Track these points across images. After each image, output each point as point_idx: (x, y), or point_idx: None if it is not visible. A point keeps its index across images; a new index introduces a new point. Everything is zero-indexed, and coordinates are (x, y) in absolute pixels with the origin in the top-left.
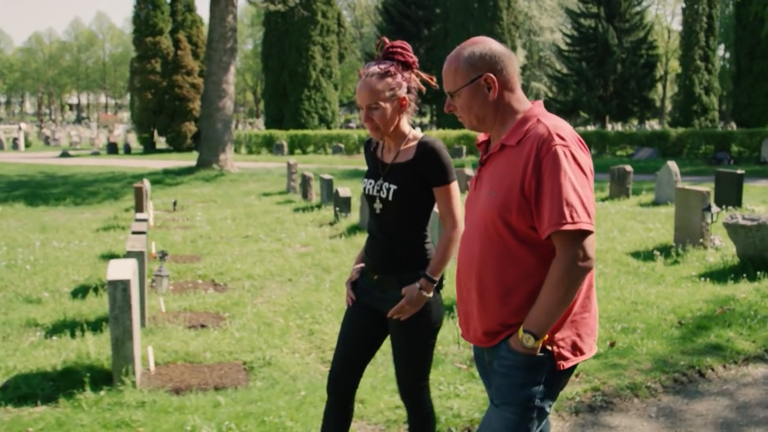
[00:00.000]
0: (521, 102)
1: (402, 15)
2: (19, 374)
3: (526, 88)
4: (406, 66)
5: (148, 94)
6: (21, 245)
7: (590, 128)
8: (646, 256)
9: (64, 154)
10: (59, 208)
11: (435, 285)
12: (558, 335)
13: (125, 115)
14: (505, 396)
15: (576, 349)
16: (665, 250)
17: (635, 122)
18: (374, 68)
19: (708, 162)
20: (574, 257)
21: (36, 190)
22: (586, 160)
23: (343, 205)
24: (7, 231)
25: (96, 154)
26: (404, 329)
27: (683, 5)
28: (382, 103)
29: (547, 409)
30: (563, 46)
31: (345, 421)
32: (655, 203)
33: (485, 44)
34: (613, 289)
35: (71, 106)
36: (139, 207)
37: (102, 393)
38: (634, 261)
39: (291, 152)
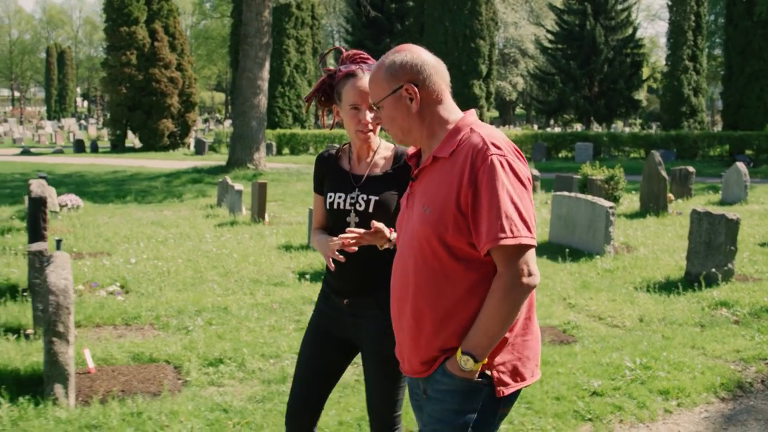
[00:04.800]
0: (451, 111)
1: (374, 8)
2: None
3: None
4: None
5: (122, 89)
6: (169, 239)
7: (576, 128)
8: None
9: (25, 152)
10: (130, 206)
11: None
12: (498, 359)
13: (41, 109)
14: (436, 422)
15: (517, 375)
16: None
17: (620, 123)
18: (367, 66)
19: (726, 164)
20: (517, 274)
21: (82, 188)
22: (524, 169)
23: None
24: (122, 227)
25: (59, 152)
26: (381, 357)
27: (669, 2)
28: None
29: None
30: (546, 43)
31: None
32: (723, 203)
33: (408, 52)
34: None
35: None
36: (262, 206)
37: None
38: None
39: (279, 152)
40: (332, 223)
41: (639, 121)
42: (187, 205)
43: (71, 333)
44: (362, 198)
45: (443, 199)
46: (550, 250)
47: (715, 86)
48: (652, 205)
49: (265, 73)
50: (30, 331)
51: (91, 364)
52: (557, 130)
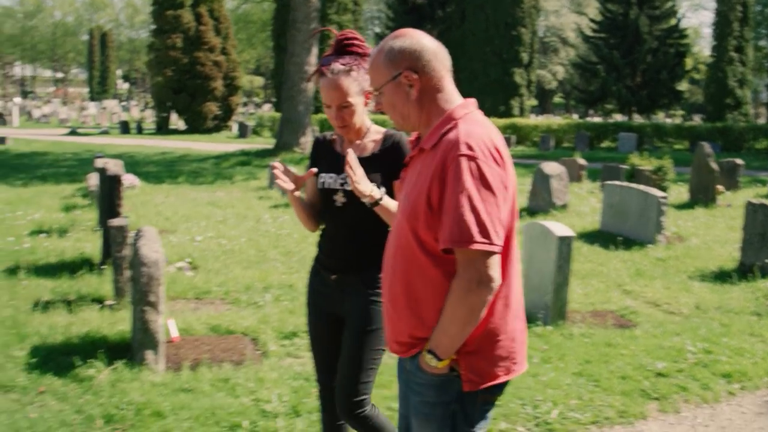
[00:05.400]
0: (449, 101)
1: None
2: None
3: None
4: (363, 57)
5: (167, 71)
6: (228, 219)
7: (617, 118)
8: None
9: (73, 132)
10: (183, 186)
11: None
12: (463, 361)
13: (83, 90)
14: (420, 414)
15: (486, 374)
16: None
17: (660, 114)
18: (337, 65)
19: None
20: (471, 279)
21: (135, 169)
22: (497, 172)
23: None
24: (180, 206)
25: (105, 133)
26: (360, 331)
27: None
28: (351, 100)
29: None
30: (588, 32)
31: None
32: None
33: (408, 37)
34: None
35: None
36: None
37: None
38: None
39: None
40: (322, 203)
41: (680, 112)
42: (239, 187)
43: (161, 303)
44: None
45: (418, 192)
46: (601, 237)
47: (760, 78)
48: (701, 197)
49: (313, 59)
50: (110, 301)
51: (175, 333)
52: (596, 119)
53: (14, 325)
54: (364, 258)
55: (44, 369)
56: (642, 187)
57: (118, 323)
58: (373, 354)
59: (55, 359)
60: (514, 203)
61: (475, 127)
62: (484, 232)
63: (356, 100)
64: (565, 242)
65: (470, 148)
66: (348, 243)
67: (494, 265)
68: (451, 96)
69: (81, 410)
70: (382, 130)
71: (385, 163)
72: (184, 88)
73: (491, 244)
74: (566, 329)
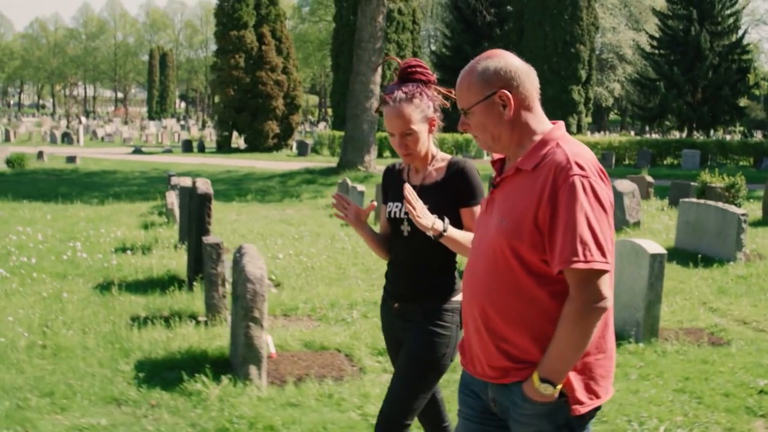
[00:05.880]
0: (540, 122)
1: (474, 12)
2: None
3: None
4: (427, 84)
5: (230, 91)
6: (304, 236)
7: (676, 135)
8: None
9: (137, 151)
10: (253, 204)
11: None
12: (572, 380)
13: (142, 110)
14: None
15: (591, 393)
16: None
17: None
18: (399, 93)
19: None
20: (588, 299)
21: None
22: (606, 192)
23: None
24: (253, 224)
25: (168, 151)
26: (413, 358)
27: None
28: (414, 128)
29: None
30: (647, 48)
31: None
32: None
33: (501, 58)
34: None
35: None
36: None
37: None
38: None
39: (380, 155)
40: (391, 231)
41: (740, 128)
42: (307, 205)
43: (265, 318)
44: None
45: (521, 212)
46: (678, 255)
47: None
48: None
49: (378, 78)
50: (203, 318)
51: (272, 349)
52: (654, 136)
53: (116, 339)
54: (426, 288)
55: (152, 383)
56: (720, 204)
57: (215, 339)
58: (425, 384)
59: (160, 374)
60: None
61: (579, 148)
62: (602, 250)
63: (419, 127)
64: (657, 259)
65: (582, 168)
66: (412, 272)
67: (608, 284)
68: (541, 117)
69: (195, 424)
70: (447, 157)
71: (450, 191)
72: (246, 107)
73: (607, 262)
74: (659, 346)
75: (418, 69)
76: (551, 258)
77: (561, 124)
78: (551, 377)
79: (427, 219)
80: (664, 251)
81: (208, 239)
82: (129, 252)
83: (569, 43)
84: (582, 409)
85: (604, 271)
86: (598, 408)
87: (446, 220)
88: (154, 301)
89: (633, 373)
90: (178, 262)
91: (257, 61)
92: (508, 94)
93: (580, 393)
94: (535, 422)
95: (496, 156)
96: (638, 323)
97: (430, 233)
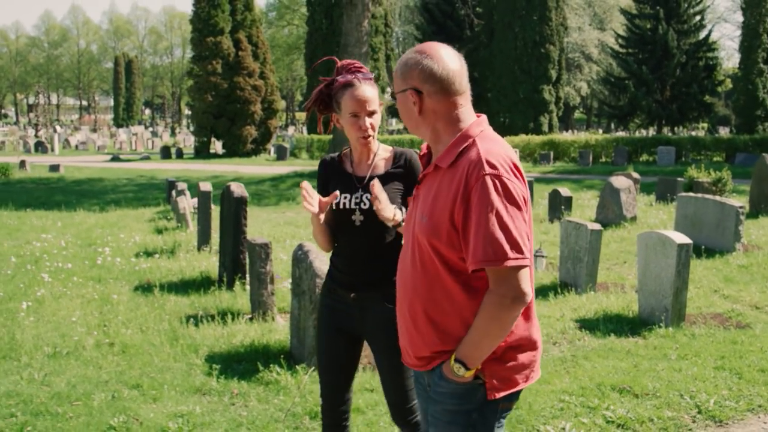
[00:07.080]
0: (463, 120)
1: (444, 14)
2: None
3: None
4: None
5: (208, 97)
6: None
7: (644, 133)
8: None
9: (116, 158)
10: (252, 208)
11: None
12: (488, 369)
13: (107, 117)
14: (439, 423)
15: (508, 381)
16: None
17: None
18: (362, 74)
19: None
20: (506, 294)
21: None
22: (520, 188)
23: (566, 203)
24: (261, 226)
25: (147, 158)
26: (388, 348)
27: (743, 5)
28: (379, 108)
29: None
30: (615, 47)
31: None
32: None
33: (426, 56)
34: None
35: (31, 107)
36: None
37: None
38: None
39: None
40: (338, 222)
41: (704, 125)
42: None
43: None
44: (366, 197)
45: (439, 210)
46: None
47: None
48: (764, 206)
49: None
50: (248, 315)
51: None
52: (620, 134)
53: (175, 337)
54: (384, 275)
55: (228, 375)
56: (718, 198)
57: (272, 333)
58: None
59: (231, 366)
60: (529, 215)
61: (493, 145)
62: (516, 247)
63: (380, 109)
64: (683, 249)
65: (492, 166)
66: (368, 261)
67: (526, 279)
68: (465, 115)
69: (282, 408)
70: (390, 148)
71: (401, 180)
72: (224, 112)
73: (523, 258)
74: (687, 330)
75: (357, 65)
76: (466, 257)
77: (482, 119)
78: (465, 360)
79: (388, 210)
80: (690, 241)
81: (256, 240)
82: (156, 256)
83: (539, 43)
84: (497, 394)
85: (521, 267)
86: (516, 395)
87: (404, 209)
88: (198, 300)
89: (672, 354)
90: (207, 263)
91: (234, 66)
92: (417, 95)
93: (497, 378)
94: (446, 400)
95: (423, 150)
96: (666, 309)
97: (390, 224)
